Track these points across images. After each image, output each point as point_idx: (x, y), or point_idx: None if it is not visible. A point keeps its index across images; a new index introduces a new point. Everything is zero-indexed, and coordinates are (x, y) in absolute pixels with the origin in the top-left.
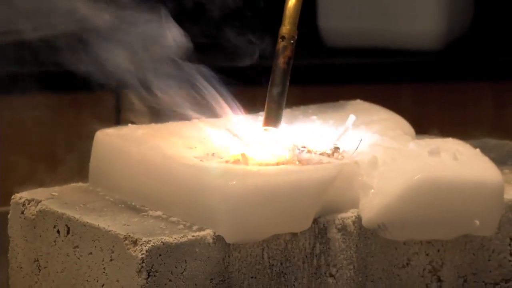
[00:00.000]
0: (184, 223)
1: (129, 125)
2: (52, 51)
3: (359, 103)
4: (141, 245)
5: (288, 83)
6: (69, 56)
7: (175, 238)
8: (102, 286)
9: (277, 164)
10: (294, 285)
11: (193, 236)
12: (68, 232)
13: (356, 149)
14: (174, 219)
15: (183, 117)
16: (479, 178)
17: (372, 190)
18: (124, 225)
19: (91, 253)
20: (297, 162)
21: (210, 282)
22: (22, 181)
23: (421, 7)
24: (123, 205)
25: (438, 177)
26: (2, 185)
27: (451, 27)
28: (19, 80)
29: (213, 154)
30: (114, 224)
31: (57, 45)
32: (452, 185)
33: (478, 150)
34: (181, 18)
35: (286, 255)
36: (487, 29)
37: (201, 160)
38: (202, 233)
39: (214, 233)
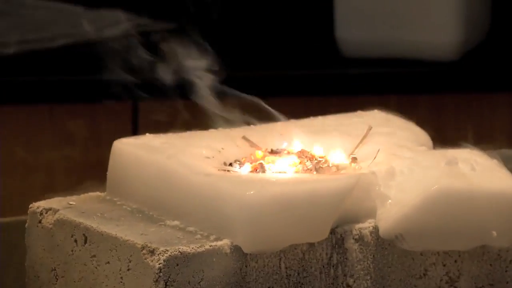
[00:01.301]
0: (201, 233)
1: (147, 134)
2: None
3: (376, 113)
4: (158, 254)
5: None
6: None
7: (192, 248)
8: None
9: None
10: None
11: (210, 246)
12: (85, 242)
13: (374, 159)
14: (191, 228)
15: (201, 127)
16: (496, 189)
17: (390, 201)
18: (141, 234)
19: (108, 263)
20: (315, 173)
21: None
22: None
23: (438, 17)
24: (140, 215)
25: (456, 188)
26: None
27: (468, 37)
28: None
29: (230, 164)
30: (131, 233)
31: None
32: (470, 195)
33: (495, 160)
34: None
35: (303, 265)
36: (504, 39)
37: (218, 170)
38: (219, 243)
39: (232, 243)
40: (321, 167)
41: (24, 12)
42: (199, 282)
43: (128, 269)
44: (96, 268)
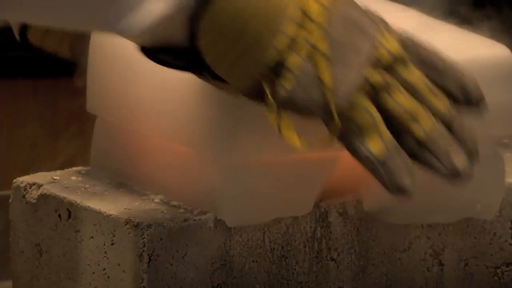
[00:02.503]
0: (185, 207)
1: None
2: None
3: None
4: (142, 229)
5: None
6: None
7: (176, 222)
8: (104, 270)
9: None
10: (295, 268)
11: (194, 220)
12: (69, 217)
13: None
14: (175, 203)
15: None
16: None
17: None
18: (125, 209)
19: (92, 237)
20: None
21: (211, 266)
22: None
23: None
24: (124, 189)
25: None
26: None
27: None
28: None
29: None
30: (115, 208)
31: None
32: None
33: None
34: None
35: (287, 239)
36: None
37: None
38: (203, 217)
39: (215, 217)
40: None
41: None
42: (183, 257)
43: (112, 244)
44: (80, 243)
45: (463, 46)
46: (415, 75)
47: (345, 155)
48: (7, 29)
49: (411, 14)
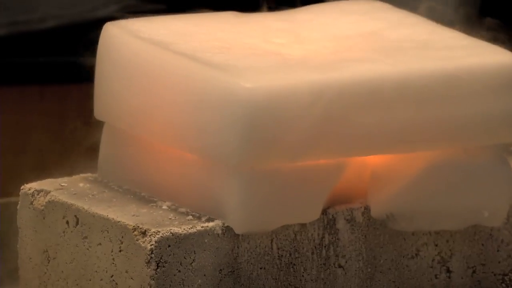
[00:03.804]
0: (193, 214)
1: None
2: None
3: None
4: (150, 235)
5: None
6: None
7: (184, 229)
8: (111, 277)
9: None
10: (303, 275)
11: (202, 227)
12: (77, 223)
13: None
14: (183, 209)
15: None
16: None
17: (381, 180)
18: (133, 215)
19: (100, 244)
20: None
21: (219, 272)
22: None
23: None
24: (132, 196)
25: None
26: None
27: None
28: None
29: None
30: (123, 215)
31: None
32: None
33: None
34: None
35: (295, 246)
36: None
37: None
38: (211, 224)
39: (223, 223)
40: None
41: None
42: (190, 263)
43: (120, 250)
44: (87, 249)
45: (470, 53)
46: None
47: (352, 162)
48: (15, 36)
49: (419, 22)
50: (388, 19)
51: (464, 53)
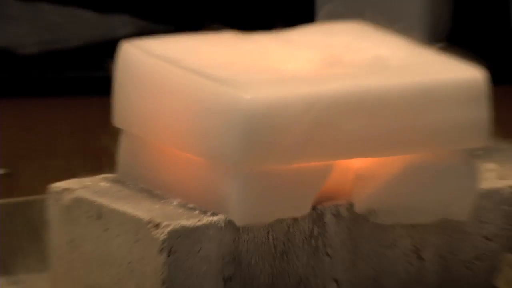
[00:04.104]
0: (199, 209)
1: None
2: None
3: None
4: (162, 228)
5: None
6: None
7: (192, 222)
8: (129, 263)
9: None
10: (295, 263)
11: (207, 220)
12: (99, 217)
13: None
14: (191, 205)
15: None
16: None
17: (364, 180)
18: (147, 211)
19: (118, 235)
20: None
21: (222, 260)
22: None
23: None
24: (146, 194)
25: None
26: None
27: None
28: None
29: None
30: (139, 210)
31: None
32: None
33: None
34: None
35: (288, 237)
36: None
37: None
38: (215, 218)
39: (226, 217)
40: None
41: (43, 17)
42: (197, 252)
43: (136, 241)
44: (108, 240)
45: (443, 69)
46: None
47: (338, 164)
48: (44, 54)
49: (400, 41)
50: (372, 39)
51: (438, 69)
